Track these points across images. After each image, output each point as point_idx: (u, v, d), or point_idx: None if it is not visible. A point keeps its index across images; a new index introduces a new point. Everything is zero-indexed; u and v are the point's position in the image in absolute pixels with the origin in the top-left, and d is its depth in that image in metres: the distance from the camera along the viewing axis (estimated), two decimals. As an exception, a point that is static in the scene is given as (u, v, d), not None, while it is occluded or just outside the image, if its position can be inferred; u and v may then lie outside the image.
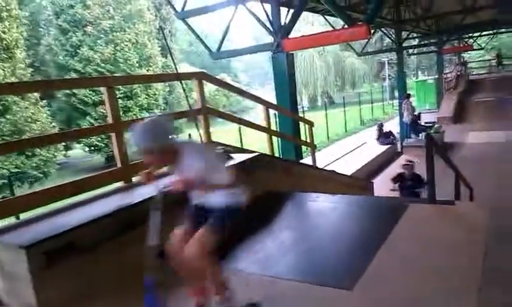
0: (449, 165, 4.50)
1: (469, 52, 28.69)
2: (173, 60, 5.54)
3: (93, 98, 20.75)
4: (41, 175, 18.50)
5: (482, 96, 17.27)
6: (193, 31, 9.01)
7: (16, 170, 16.95)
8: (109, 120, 3.72)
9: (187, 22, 8.80)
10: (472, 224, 3.02)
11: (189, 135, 11.91)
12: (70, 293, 2.41)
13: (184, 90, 4.61)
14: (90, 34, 21.84)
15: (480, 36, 27.90)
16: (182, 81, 5.48)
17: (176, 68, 4.53)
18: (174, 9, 8.83)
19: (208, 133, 4.74)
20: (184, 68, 29.87)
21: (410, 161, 7.59)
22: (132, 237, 2.92)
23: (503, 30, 27.35)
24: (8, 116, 17.34)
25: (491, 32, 27.50)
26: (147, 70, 23.14)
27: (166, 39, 25.67)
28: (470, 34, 25.04)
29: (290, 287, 2.43)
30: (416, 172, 6.69)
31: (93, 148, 22.13)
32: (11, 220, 3.10)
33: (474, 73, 25.90)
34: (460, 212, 3.33)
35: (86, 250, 2.58)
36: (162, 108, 24.26)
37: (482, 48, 30.76)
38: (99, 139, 20.43)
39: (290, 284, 2.46)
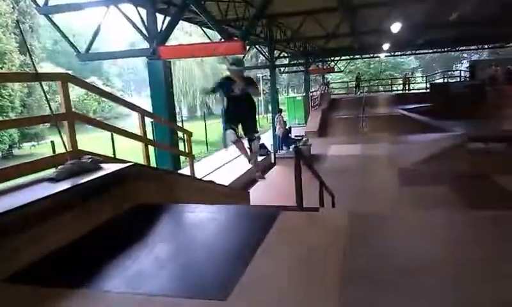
0: (314, 175, 4.92)
1: (331, 73, 32.18)
2: (31, 58, 4.95)
3: None
4: None
5: (342, 114, 19.50)
6: (58, 29, 8.19)
7: None
8: None
9: (51, 18, 7.97)
10: (334, 228, 3.33)
11: (52, 142, 10.72)
12: None
13: (45, 92, 4.13)
14: None
15: (340, 60, 31.61)
16: (46, 83, 4.91)
17: (35, 68, 4.03)
18: (35, 2, 7.90)
19: (73, 141, 4.30)
20: (48, 68, 26.96)
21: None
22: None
23: (358, 56, 31.42)
24: None
25: (348, 57, 31.36)
26: (1, 68, 20.18)
27: (23, 35, 22.78)
28: (332, 58, 28.18)
29: (164, 304, 2.31)
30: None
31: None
32: None
33: (335, 93, 29.11)
34: (324, 218, 3.64)
35: None
36: (19, 111, 21.39)
37: (341, 71, 34.88)
38: None
39: (165, 300, 2.34)
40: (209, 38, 13.31)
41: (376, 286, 2.40)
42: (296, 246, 3.00)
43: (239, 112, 4.96)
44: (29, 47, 21.45)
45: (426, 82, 30.70)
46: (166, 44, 7.44)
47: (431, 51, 32.35)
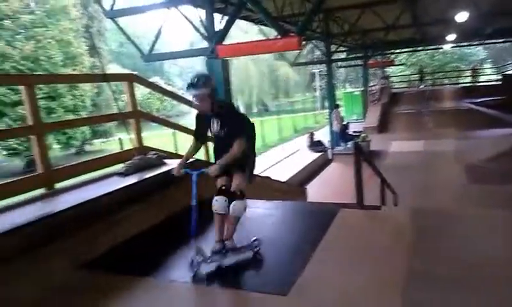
0: (375, 172, 4.77)
1: (392, 67, 30.93)
2: (100, 60, 5.27)
3: (11, 97, 19.00)
4: None
5: (403, 108, 18.68)
6: (123, 31, 8.66)
7: None
8: (29, 122, 3.42)
9: (117, 21, 8.44)
10: (397, 227, 3.21)
11: (120, 139, 11.39)
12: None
13: (113, 92, 4.41)
14: (8, 29, 20.07)
15: (401, 52, 30.26)
16: (113, 83, 5.24)
17: (104, 69, 4.29)
18: (102, 7, 8.41)
19: (139, 138, 4.54)
20: (114, 69, 28.62)
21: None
22: (53, 249, 2.71)
23: (420, 48, 29.90)
24: None
25: (410, 49, 29.94)
26: (73, 70, 21.75)
27: (93, 39, 24.40)
28: (392, 51, 27.05)
29: (225, 294, 2.38)
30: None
31: (11, 151, 20.25)
32: None
33: (396, 86, 27.95)
34: (386, 216, 3.53)
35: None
36: (90, 110, 22.97)
37: (402, 64, 33.39)
38: (18, 142, 18.77)
39: (226, 292, 2.41)
40: (265, 35, 13.36)
41: (442, 286, 2.29)
42: (357, 244, 2.94)
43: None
44: (98, 50, 22.92)
45: (497, 74, 28.46)
46: (224, 43, 7.59)
47: (501, 40, 29.89)
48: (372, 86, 22.98)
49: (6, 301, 2.31)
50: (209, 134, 3.11)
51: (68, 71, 21.31)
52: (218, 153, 3.00)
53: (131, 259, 2.93)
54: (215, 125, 2.99)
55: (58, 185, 3.61)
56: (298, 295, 2.28)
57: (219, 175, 2.91)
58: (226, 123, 2.92)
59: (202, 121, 3.10)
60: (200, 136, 3.16)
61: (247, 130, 2.99)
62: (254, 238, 2.96)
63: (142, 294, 2.44)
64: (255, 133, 3.15)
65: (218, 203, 2.88)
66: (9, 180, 3.40)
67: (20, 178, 3.51)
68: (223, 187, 2.93)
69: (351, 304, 2.20)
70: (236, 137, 2.84)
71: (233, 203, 2.85)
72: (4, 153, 20.94)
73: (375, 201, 4.49)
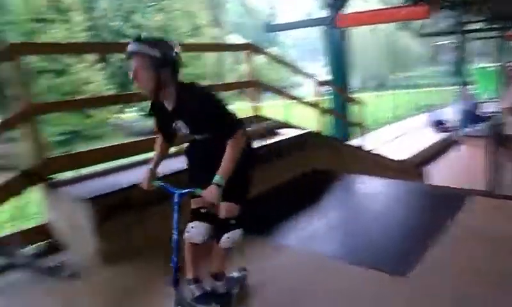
0: (513, 158, 4.21)
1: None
2: (224, 30, 5.49)
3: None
4: (97, 135, 19.62)
5: (550, 88, 15.97)
6: (243, 3, 8.89)
7: (74, 129, 18.08)
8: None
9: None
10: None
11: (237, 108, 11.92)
12: (122, 246, 2.55)
13: (233, 62, 4.58)
14: (141, 1, 22.23)
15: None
16: (232, 52, 5.47)
17: (224, 39, 4.47)
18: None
19: (256, 107, 4.71)
20: (234, 39, 29.82)
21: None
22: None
23: None
24: (65, 77, 18.31)
25: None
26: (197, 40, 23.33)
27: (215, 10, 25.61)
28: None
29: (336, 267, 2.38)
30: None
31: (144, 113, 22.82)
32: (70, 174, 3.27)
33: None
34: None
35: (138, 208, 2.69)
36: (212, 80, 24.51)
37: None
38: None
39: (337, 264, 2.41)
40: (386, 4, 12.49)
41: None
42: (489, 235, 2.62)
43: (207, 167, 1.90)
44: (219, 21, 24.06)
45: None
46: (343, 12, 7.31)
47: None
48: (511, 61, 20.06)
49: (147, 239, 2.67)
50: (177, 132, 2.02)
51: (193, 41, 22.91)
52: (194, 165, 2.07)
53: (247, 217, 3.08)
54: (179, 125, 1.94)
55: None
56: (418, 277, 2.16)
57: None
58: (195, 117, 1.86)
59: (158, 113, 2.03)
60: (164, 132, 2.09)
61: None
62: (242, 267, 2.26)
63: (257, 252, 2.56)
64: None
65: (196, 230, 1.98)
66: (142, 138, 3.86)
67: (150, 137, 3.92)
68: (202, 211, 2.00)
69: (472, 297, 2.01)
70: (226, 133, 1.84)
71: (227, 235, 1.98)
72: (141, 113, 23.73)
73: (509, 191, 3.99)
